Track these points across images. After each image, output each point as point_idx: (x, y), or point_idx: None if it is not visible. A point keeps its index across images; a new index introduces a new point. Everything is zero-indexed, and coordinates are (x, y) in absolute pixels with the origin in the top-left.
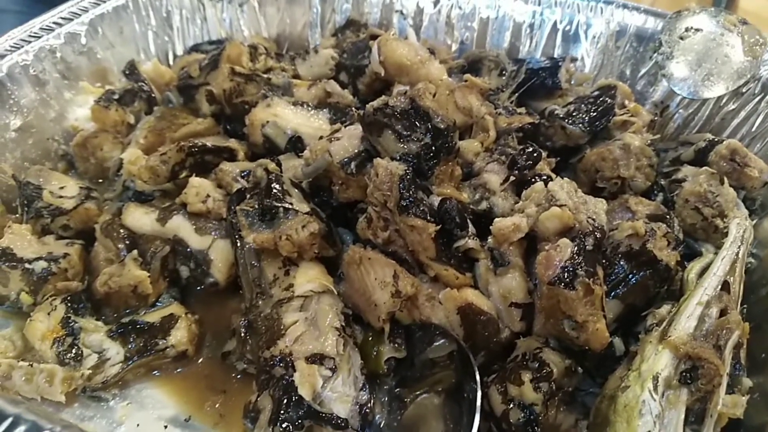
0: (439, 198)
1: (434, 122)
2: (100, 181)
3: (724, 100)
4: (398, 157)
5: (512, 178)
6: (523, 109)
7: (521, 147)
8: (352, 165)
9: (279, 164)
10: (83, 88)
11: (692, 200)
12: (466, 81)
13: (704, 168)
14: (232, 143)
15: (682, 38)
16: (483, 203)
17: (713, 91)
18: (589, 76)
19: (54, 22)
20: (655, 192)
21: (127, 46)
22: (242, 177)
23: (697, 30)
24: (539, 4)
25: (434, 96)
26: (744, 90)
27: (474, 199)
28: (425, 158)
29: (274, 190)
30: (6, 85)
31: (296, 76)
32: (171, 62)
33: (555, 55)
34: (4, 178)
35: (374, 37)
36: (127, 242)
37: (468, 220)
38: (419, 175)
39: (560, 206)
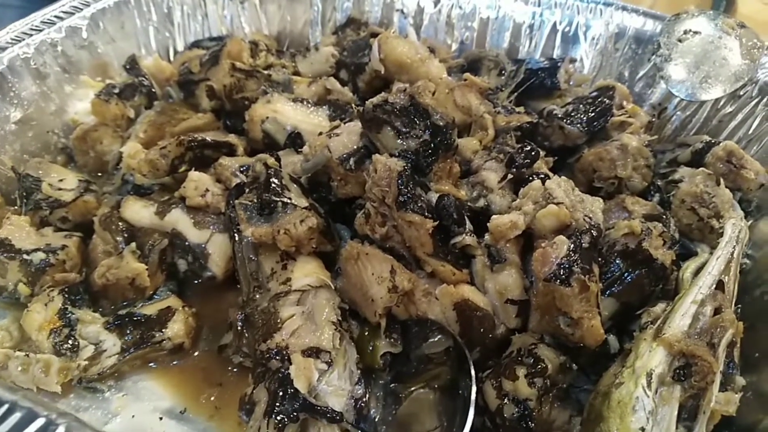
0: (437, 195)
1: (433, 119)
2: (99, 174)
3: (721, 103)
4: (397, 154)
5: (510, 176)
6: (521, 109)
7: (519, 146)
8: (351, 161)
9: (278, 160)
10: (84, 82)
11: (688, 201)
12: (465, 80)
13: (701, 169)
14: (232, 138)
15: (680, 41)
16: (481, 200)
17: (711, 93)
18: (587, 77)
19: (55, 16)
20: (652, 192)
21: (128, 41)
22: (241, 172)
23: (695, 33)
24: (539, 5)
25: (434, 94)
26: (741, 93)
27: (472, 196)
28: (424, 155)
29: (273, 185)
30: (7, 78)
31: (296, 73)
32: (172, 58)
33: (554, 56)
34: (3, 170)
35: (375, 35)
36: (126, 235)
37: (465, 217)
38: (418, 172)
39: (557, 204)
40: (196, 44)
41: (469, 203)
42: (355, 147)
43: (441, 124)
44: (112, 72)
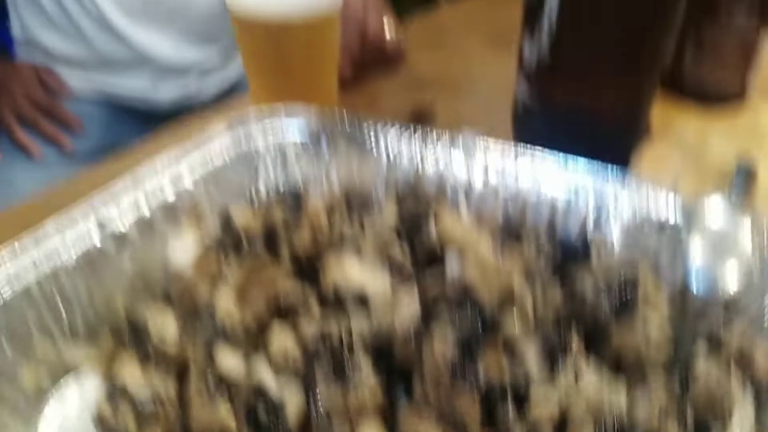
0: (484, 371)
1: (481, 304)
2: (194, 319)
3: (737, 290)
4: (450, 334)
5: (546, 354)
6: (557, 288)
7: (555, 324)
8: (411, 332)
9: (348, 322)
10: (182, 228)
11: (703, 384)
12: (509, 255)
13: (716, 354)
14: (308, 294)
15: (701, 228)
16: (520, 377)
17: (729, 282)
18: (616, 257)
19: (159, 163)
20: (672, 370)
21: (219, 190)
22: (315, 331)
23: (715, 220)
24: (575, 190)
25: (481, 271)
26: (756, 282)
27: (513, 373)
28: (473, 334)
29: (344, 348)
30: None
31: (361, 234)
32: (256, 209)
33: (587, 235)
34: (115, 310)
35: (431, 205)
36: (217, 381)
37: (508, 392)
38: (468, 352)
39: (586, 389)
40: (276, 197)
41: (510, 379)
42: (414, 318)
43: (488, 308)
44: (206, 220)
